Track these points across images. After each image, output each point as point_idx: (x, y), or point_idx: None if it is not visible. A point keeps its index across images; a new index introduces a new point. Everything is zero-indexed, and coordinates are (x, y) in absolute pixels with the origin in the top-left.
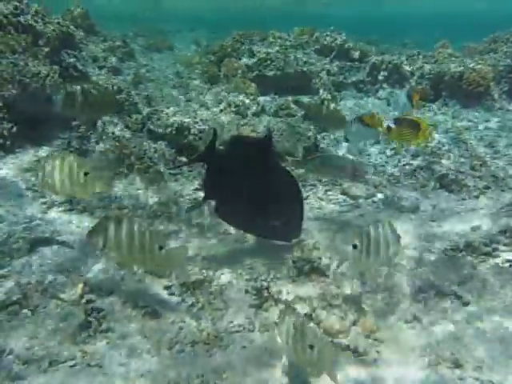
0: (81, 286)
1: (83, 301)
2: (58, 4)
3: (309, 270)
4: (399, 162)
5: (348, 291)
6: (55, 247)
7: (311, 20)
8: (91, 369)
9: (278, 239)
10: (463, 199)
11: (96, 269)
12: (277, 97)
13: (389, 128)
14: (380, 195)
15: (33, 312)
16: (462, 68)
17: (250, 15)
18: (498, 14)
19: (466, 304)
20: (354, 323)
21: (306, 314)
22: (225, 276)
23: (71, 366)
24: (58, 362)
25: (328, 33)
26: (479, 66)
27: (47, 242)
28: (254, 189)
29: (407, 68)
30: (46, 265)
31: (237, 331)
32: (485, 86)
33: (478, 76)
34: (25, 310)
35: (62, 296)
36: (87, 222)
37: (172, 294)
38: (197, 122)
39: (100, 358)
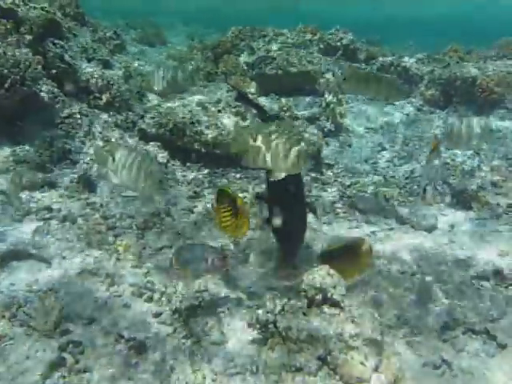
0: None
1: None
2: None
3: None
4: None
5: None
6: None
7: (307, 18)
8: None
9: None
10: None
11: None
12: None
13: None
14: None
15: None
16: (475, 73)
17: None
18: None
19: None
20: None
21: None
22: None
23: None
24: None
25: (333, 31)
26: (492, 72)
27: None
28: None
29: (416, 71)
30: None
31: None
32: (499, 94)
33: (491, 83)
34: None
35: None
36: None
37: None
38: (193, 123)
39: None
